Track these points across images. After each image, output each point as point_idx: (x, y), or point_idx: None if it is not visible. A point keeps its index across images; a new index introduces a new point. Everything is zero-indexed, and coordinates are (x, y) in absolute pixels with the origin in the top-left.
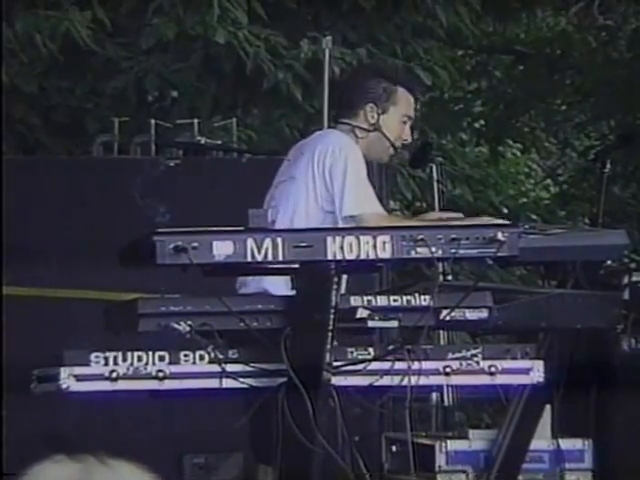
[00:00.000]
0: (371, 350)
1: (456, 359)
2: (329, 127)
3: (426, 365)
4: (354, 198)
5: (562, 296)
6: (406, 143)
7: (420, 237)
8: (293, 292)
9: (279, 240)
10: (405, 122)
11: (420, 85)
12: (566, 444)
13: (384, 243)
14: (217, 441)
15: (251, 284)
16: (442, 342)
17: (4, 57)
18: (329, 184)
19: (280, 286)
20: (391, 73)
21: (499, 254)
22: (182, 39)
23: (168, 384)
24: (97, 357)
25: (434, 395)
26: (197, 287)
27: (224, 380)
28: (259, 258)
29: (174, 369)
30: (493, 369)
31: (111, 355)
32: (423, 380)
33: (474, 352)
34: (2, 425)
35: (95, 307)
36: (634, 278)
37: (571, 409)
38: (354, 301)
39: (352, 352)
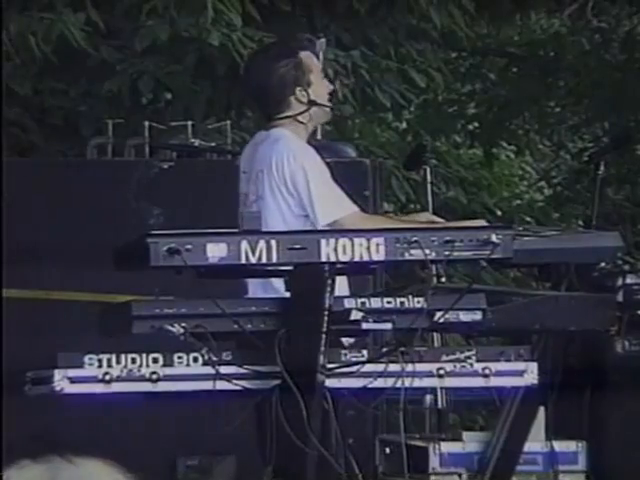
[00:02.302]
0: (365, 352)
1: (450, 361)
2: (271, 126)
3: (420, 367)
4: (325, 205)
5: (556, 298)
6: (331, 92)
7: (414, 239)
8: (287, 294)
9: (273, 242)
10: (322, 77)
11: (414, 87)
12: (560, 446)
13: (378, 245)
14: (211, 443)
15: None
16: (436, 344)
17: None
18: (294, 192)
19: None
20: (287, 49)
21: (493, 256)
22: (176, 41)
23: (162, 386)
24: (91, 359)
25: (428, 397)
26: (191, 289)
27: (218, 382)
28: (253, 260)
29: (168, 371)
30: (487, 371)
31: (105, 357)
32: (417, 382)
33: (468, 354)
34: (2, 425)
35: (89, 309)
36: (628, 280)
37: (565, 411)
38: (348, 303)
39: (346, 354)
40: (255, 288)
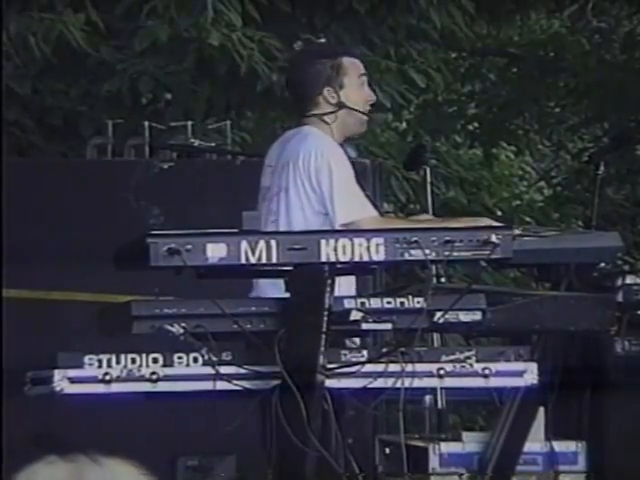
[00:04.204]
0: (365, 352)
1: (450, 361)
2: (301, 124)
3: (420, 367)
4: (345, 205)
5: (556, 298)
6: (373, 102)
7: (414, 239)
8: (287, 294)
9: (273, 242)
10: (362, 84)
11: (413, 88)
12: (560, 446)
13: (378, 245)
14: (211, 443)
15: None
16: (436, 344)
17: None
18: (317, 188)
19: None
20: (329, 49)
21: (493, 256)
22: (176, 41)
23: (162, 386)
24: (91, 359)
25: (428, 397)
26: (191, 289)
27: (218, 382)
28: (253, 260)
29: (168, 371)
30: (487, 371)
31: (105, 357)
32: (417, 382)
33: (468, 354)
34: (2, 425)
35: (89, 309)
36: (627, 280)
37: (565, 411)
38: (348, 303)
39: (346, 354)
40: (264, 285)
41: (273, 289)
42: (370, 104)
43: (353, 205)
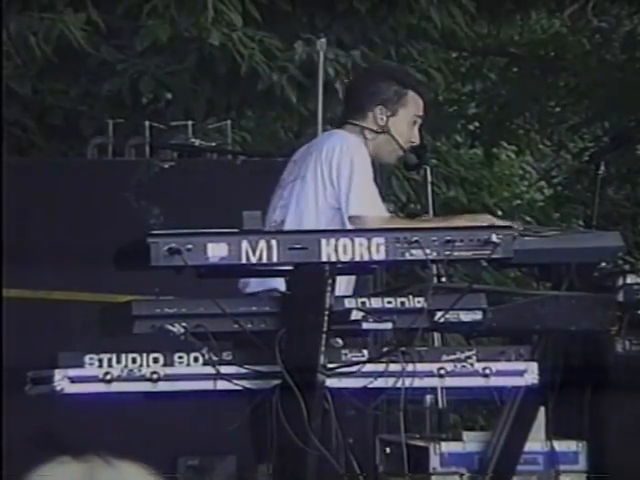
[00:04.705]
0: (365, 352)
1: (450, 361)
2: (337, 127)
3: (420, 367)
4: (359, 199)
5: (556, 298)
6: (414, 144)
7: (414, 239)
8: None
9: (273, 242)
10: (414, 123)
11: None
12: (560, 446)
13: (378, 245)
14: (211, 443)
15: (253, 282)
16: (436, 344)
17: None
18: (335, 181)
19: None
20: (402, 76)
21: (493, 256)
22: (176, 41)
23: (162, 386)
24: (91, 359)
25: (428, 397)
26: (191, 289)
27: (218, 382)
28: (253, 260)
29: (168, 371)
30: (487, 371)
31: (105, 357)
32: (417, 382)
33: (468, 354)
34: (2, 425)
35: (89, 309)
36: (628, 280)
37: (565, 411)
38: (348, 303)
39: (346, 354)
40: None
41: (261, 284)
42: (410, 144)
43: (366, 201)
